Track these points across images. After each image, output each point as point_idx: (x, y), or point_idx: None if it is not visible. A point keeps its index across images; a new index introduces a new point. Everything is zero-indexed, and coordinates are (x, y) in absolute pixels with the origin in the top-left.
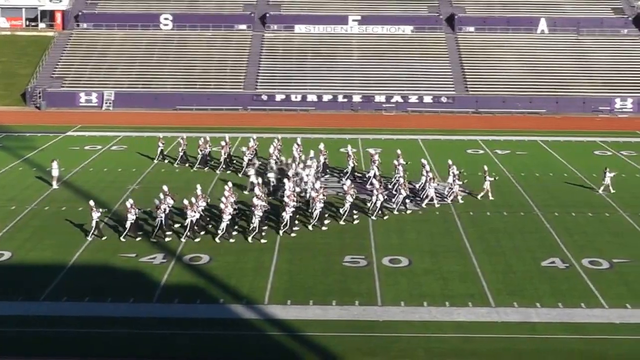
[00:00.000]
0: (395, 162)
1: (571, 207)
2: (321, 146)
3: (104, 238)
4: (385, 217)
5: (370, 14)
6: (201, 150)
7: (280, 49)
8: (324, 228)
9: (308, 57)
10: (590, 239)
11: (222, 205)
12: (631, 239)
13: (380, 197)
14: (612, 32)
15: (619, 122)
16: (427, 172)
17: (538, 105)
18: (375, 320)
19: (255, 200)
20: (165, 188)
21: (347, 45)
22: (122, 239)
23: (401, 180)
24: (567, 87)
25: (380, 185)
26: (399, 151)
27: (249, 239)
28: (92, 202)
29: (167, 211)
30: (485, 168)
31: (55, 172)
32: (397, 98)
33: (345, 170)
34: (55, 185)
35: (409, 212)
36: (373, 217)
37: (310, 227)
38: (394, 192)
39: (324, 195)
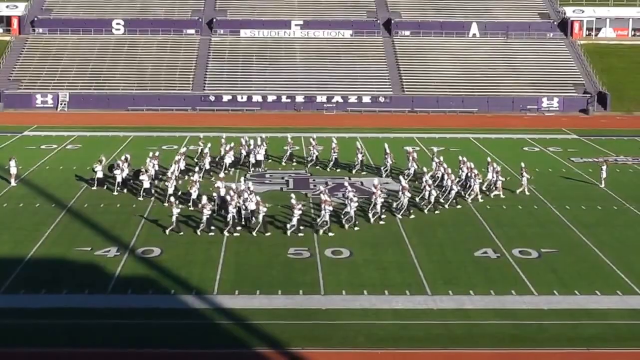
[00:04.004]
0: (437, 160)
1: (502, 200)
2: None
3: (180, 233)
4: (437, 212)
5: (312, 19)
6: (242, 152)
7: (227, 52)
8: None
9: (253, 60)
10: (520, 230)
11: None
12: (558, 230)
13: (434, 192)
14: (538, 36)
15: (545, 120)
16: (470, 168)
17: (470, 105)
18: (318, 308)
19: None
20: (234, 186)
21: (290, 49)
22: (198, 232)
23: (452, 176)
24: (497, 87)
25: (432, 181)
26: (435, 149)
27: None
28: (172, 199)
29: (237, 207)
30: (522, 165)
31: (13, 170)
32: (337, 98)
33: (384, 169)
34: (13, 182)
35: (459, 206)
36: (435, 212)
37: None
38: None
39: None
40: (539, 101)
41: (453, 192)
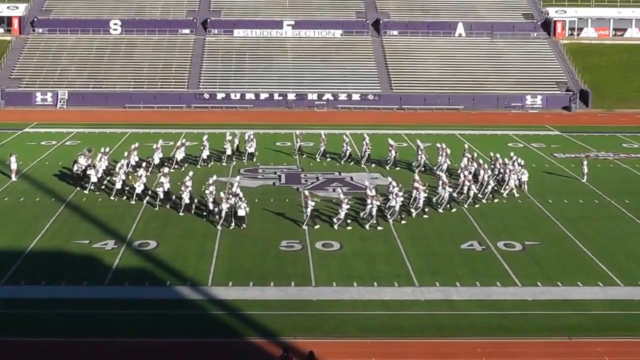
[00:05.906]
0: (468, 155)
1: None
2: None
3: (316, 227)
4: (478, 205)
5: (303, 19)
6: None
7: (221, 52)
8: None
9: (246, 59)
10: (504, 223)
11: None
12: (541, 224)
13: (473, 188)
14: (522, 36)
15: (529, 117)
16: (503, 164)
17: (456, 102)
18: (309, 299)
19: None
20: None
21: (282, 48)
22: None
23: (489, 171)
24: (483, 85)
25: (471, 176)
26: (466, 146)
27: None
28: (306, 192)
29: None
30: (522, 162)
31: (13, 166)
32: (328, 96)
33: (416, 165)
34: (14, 178)
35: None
36: (465, 206)
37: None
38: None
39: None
40: (523, 99)
41: (490, 187)
